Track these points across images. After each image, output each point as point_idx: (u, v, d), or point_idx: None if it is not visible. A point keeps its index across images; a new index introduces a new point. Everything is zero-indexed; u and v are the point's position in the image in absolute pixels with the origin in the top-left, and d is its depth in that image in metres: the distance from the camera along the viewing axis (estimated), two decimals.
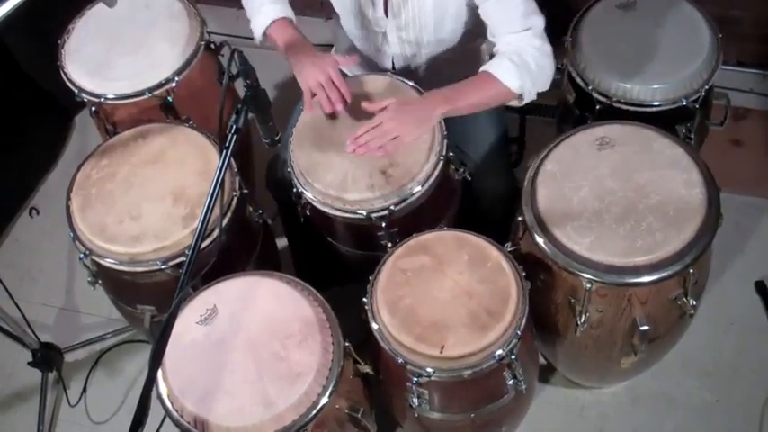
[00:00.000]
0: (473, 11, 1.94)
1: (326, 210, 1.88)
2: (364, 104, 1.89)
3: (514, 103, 1.93)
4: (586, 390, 2.35)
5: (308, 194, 1.90)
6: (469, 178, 2.01)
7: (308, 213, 1.97)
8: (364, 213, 1.85)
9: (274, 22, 1.99)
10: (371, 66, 2.16)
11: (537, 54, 1.86)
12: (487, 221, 2.05)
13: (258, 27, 2.01)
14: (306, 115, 1.98)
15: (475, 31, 2.02)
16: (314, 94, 1.88)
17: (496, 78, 1.85)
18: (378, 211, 1.85)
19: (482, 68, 1.89)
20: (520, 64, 1.84)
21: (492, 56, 1.92)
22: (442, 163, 1.89)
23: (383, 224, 1.87)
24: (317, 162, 1.90)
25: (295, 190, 1.94)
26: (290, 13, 2.03)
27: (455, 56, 2.08)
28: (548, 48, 1.89)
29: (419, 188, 1.86)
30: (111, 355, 2.56)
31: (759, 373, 2.30)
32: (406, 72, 2.11)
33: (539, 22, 1.88)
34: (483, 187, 2.12)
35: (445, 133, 1.92)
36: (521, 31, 1.86)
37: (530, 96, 1.89)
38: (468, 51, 2.12)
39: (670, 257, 1.72)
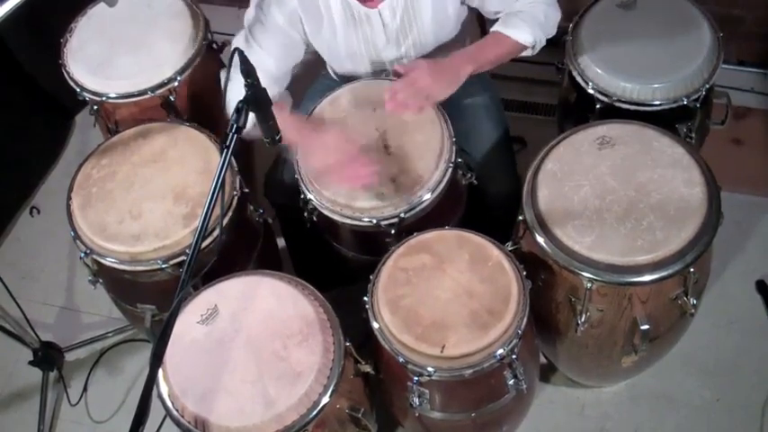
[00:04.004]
0: (469, 8, 1.98)
1: (335, 216, 1.88)
2: (396, 66, 1.91)
3: (528, 53, 1.97)
4: (587, 389, 2.35)
5: (317, 201, 1.89)
6: (476, 183, 2.01)
7: (314, 219, 1.97)
8: (374, 221, 1.85)
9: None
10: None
11: (545, 7, 1.92)
12: (491, 220, 2.05)
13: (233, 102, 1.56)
14: (314, 121, 1.98)
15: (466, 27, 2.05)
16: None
17: (510, 37, 1.91)
18: (387, 219, 1.85)
19: (493, 28, 1.94)
20: (529, 20, 1.90)
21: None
22: (450, 170, 1.89)
23: (392, 231, 1.86)
24: (326, 168, 1.90)
25: (303, 196, 1.93)
26: (284, 95, 1.96)
27: (448, 49, 2.09)
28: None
29: (428, 195, 1.86)
30: (111, 354, 2.56)
31: (760, 373, 2.30)
32: None
33: None
34: (487, 187, 2.12)
35: (454, 139, 1.92)
36: None
37: (541, 45, 1.96)
38: (459, 44, 2.13)
39: (671, 256, 1.72)
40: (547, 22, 1.93)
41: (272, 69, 1.90)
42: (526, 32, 1.90)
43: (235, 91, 1.68)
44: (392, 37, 1.95)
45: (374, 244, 1.92)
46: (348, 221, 1.87)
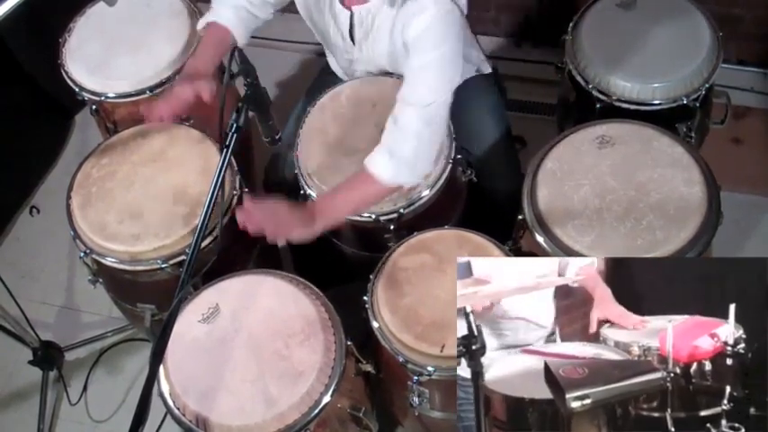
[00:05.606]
0: None
1: None
2: (245, 206, 1.70)
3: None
4: None
5: (316, 196, 1.89)
6: (476, 180, 2.01)
7: None
8: (373, 216, 1.85)
9: (211, 24, 1.91)
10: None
11: (416, 143, 1.71)
12: (496, 219, 2.05)
13: (202, 21, 1.95)
14: (314, 116, 1.98)
15: None
16: None
17: (373, 177, 1.71)
18: (386, 214, 1.85)
19: (365, 161, 1.73)
20: (398, 158, 1.70)
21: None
22: (449, 166, 1.89)
23: (391, 227, 1.87)
24: (325, 164, 1.90)
25: (302, 191, 1.93)
26: (236, 22, 1.90)
27: None
28: (429, 132, 1.72)
29: (427, 191, 1.86)
30: (111, 353, 2.55)
31: None
32: None
33: (442, 98, 1.71)
34: (489, 185, 2.12)
35: (454, 136, 1.92)
36: (420, 105, 1.70)
37: (411, 183, 1.79)
38: None
39: (670, 256, 1.72)
40: (416, 161, 1.72)
41: None
42: (389, 172, 1.69)
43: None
44: (357, 39, 1.92)
45: (373, 240, 1.92)
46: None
